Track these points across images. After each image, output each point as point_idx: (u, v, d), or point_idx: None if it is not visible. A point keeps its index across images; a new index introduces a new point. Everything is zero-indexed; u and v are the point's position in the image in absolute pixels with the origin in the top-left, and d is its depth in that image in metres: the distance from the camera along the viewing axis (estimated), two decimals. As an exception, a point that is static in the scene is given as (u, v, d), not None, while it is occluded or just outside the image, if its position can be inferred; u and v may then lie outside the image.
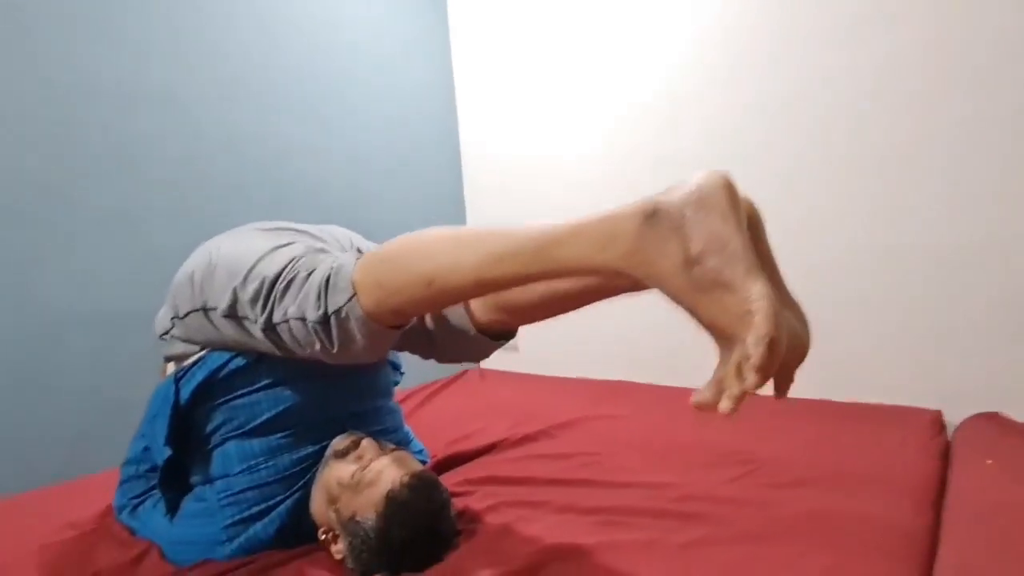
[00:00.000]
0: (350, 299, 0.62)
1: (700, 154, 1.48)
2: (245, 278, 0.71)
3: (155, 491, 0.84)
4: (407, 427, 1.00)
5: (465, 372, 1.91)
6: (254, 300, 0.69)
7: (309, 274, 0.66)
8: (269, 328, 0.69)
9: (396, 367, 1.03)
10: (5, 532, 0.87)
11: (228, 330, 0.75)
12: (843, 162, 1.28)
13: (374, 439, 0.79)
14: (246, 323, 0.72)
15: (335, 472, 0.75)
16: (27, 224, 1.13)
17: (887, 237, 1.23)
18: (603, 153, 1.69)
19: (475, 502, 0.86)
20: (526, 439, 1.13)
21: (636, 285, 0.57)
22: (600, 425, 1.20)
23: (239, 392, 0.79)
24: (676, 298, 0.47)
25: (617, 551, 0.71)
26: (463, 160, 2.12)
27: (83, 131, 1.20)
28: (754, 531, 0.73)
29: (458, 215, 2.10)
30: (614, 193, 1.66)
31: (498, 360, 2.03)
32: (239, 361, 0.79)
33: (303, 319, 0.65)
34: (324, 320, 0.63)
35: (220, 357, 0.80)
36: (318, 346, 0.65)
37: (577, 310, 0.77)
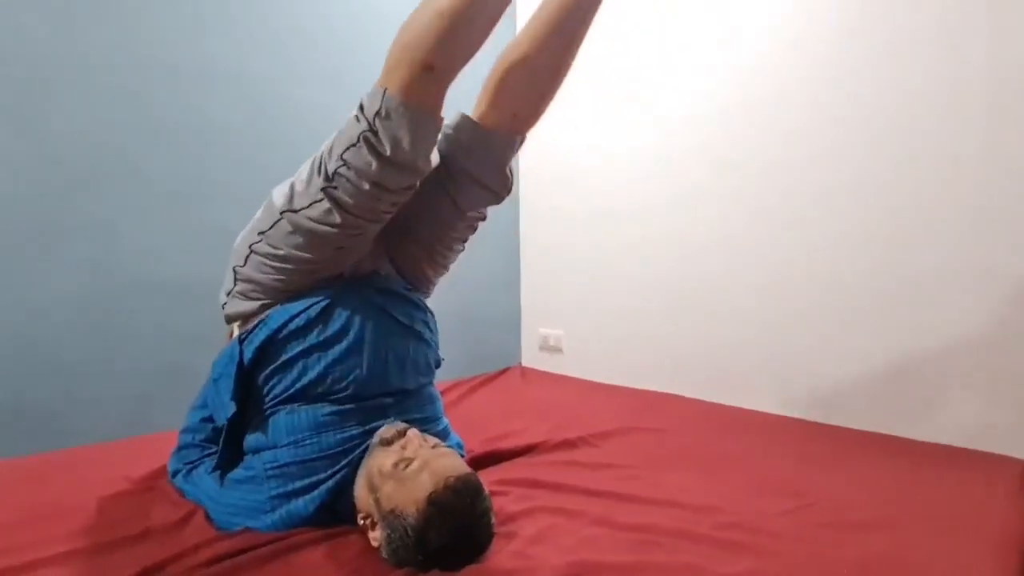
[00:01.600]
0: (383, 95, 0.73)
1: (756, 158, 1.40)
2: (293, 180, 0.83)
3: (208, 459, 0.88)
4: (446, 419, 1.00)
5: (507, 370, 1.91)
6: (308, 177, 0.80)
7: (345, 127, 0.77)
8: (329, 183, 0.77)
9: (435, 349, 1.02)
10: (70, 480, 0.94)
11: (289, 238, 0.81)
12: (921, 172, 1.18)
13: (419, 431, 0.80)
14: (305, 209, 0.79)
15: (379, 460, 0.75)
16: (105, 194, 1.21)
17: (982, 262, 1.12)
18: (655, 150, 1.64)
19: (510, 503, 0.85)
20: (565, 444, 1.10)
21: None
22: (643, 437, 1.16)
23: (293, 352, 0.82)
24: None
25: (652, 574, 0.67)
26: (520, 158, 2.10)
27: (160, 107, 1.27)
28: (803, 572, 0.68)
29: (513, 207, 2.09)
30: (664, 189, 1.64)
31: (540, 360, 2.02)
32: (298, 321, 0.83)
33: (353, 144, 0.74)
34: (371, 128, 0.73)
35: (280, 316, 0.84)
36: (374, 165, 0.74)
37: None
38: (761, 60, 1.40)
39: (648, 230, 1.66)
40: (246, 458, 0.84)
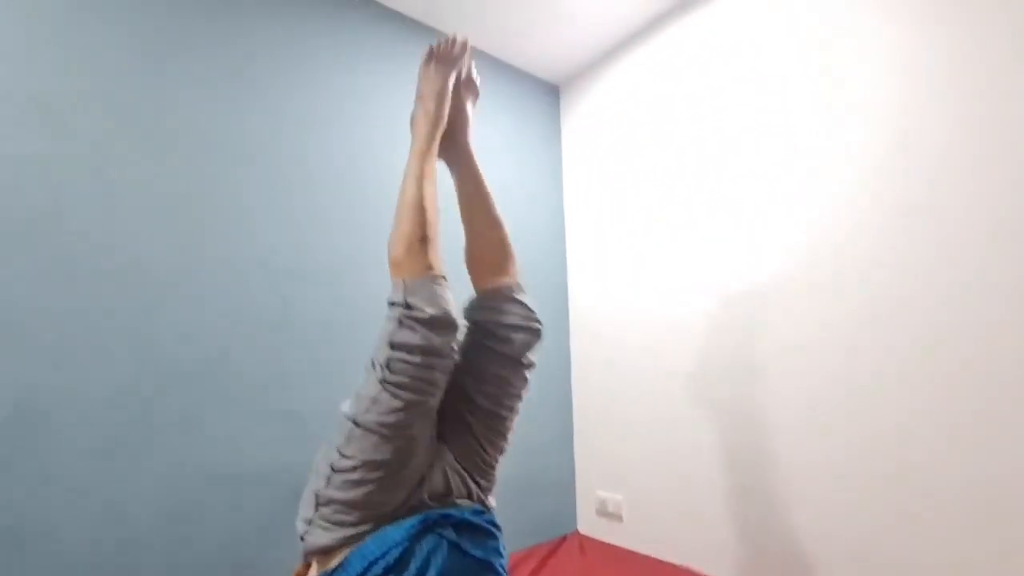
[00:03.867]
0: (404, 283, 0.90)
1: (824, 340, 1.39)
2: (356, 389, 0.91)
3: None
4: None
5: (564, 540, 1.80)
6: (366, 378, 0.89)
7: (384, 325, 0.90)
8: (385, 371, 0.86)
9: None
10: None
11: (363, 442, 0.86)
12: None
13: None
14: (371, 407, 0.86)
15: None
16: (195, 389, 1.27)
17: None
18: (707, 318, 1.65)
19: None
20: None
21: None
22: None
23: None
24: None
25: None
26: (571, 314, 2.16)
27: (253, 303, 1.37)
28: None
29: (564, 364, 2.11)
30: (716, 358, 1.62)
31: (598, 528, 1.91)
32: (375, 569, 0.80)
33: (397, 329, 0.87)
34: (405, 306, 0.88)
35: (359, 563, 0.81)
36: (418, 332, 0.86)
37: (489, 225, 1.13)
38: (824, 233, 1.43)
39: (711, 398, 1.63)
40: None
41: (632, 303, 1.91)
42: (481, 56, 2.02)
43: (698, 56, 1.77)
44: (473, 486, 0.99)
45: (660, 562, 1.63)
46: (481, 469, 1.01)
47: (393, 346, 0.87)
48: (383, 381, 0.86)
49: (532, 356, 1.06)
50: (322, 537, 0.87)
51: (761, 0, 1.61)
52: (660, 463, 1.75)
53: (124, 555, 1.14)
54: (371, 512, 0.87)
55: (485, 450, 1.02)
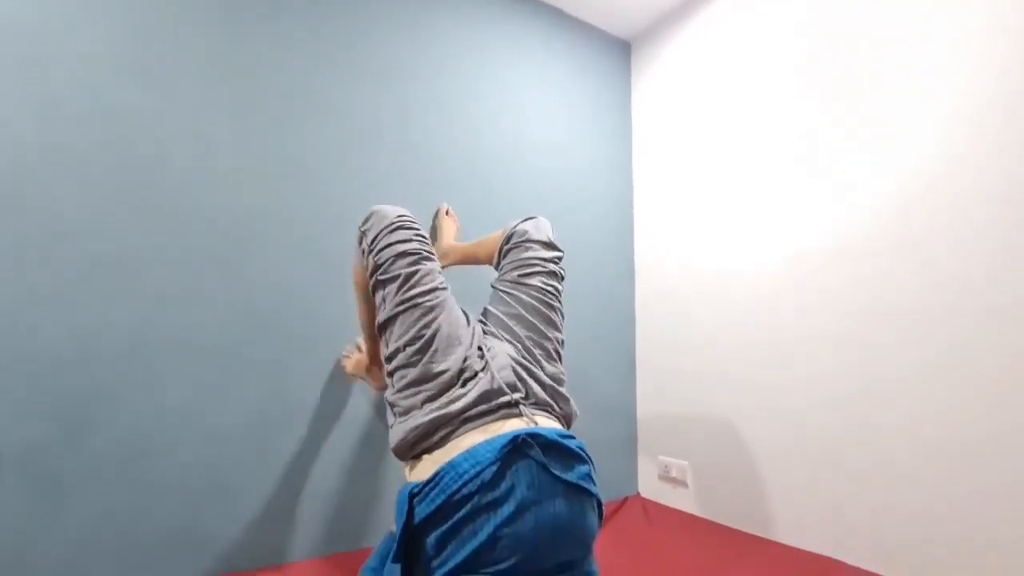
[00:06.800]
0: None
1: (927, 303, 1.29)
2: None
3: None
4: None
5: (626, 502, 1.80)
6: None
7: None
8: (373, 263, 1.04)
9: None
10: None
11: (394, 334, 0.98)
12: None
13: None
14: (383, 309, 1.02)
15: None
16: (281, 334, 1.35)
17: None
18: (783, 278, 1.56)
19: None
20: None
21: None
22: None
23: (463, 513, 0.81)
24: None
25: None
26: (636, 272, 2.12)
27: (329, 251, 1.43)
28: None
29: (629, 324, 2.08)
30: (793, 320, 1.54)
31: (662, 493, 1.89)
32: (470, 486, 0.82)
33: (363, 246, 1.09)
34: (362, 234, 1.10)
35: (453, 481, 0.83)
36: (374, 228, 1.07)
37: None
38: (917, 188, 1.32)
39: (788, 363, 1.56)
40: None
41: (702, 262, 1.85)
42: (547, 9, 1.97)
43: (781, 8, 1.65)
44: (537, 370, 1.02)
45: (732, 530, 1.59)
46: (543, 348, 1.07)
47: (366, 252, 1.05)
48: (374, 272, 1.02)
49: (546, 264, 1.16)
50: (399, 431, 0.92)
51: (862, -68, 1.46)
52: (730, 430, 1.70)
53: (223, 472, 1.25)
54: (431, 385, 0.92)
55: (538, 330, 1.08)
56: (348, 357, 1.40)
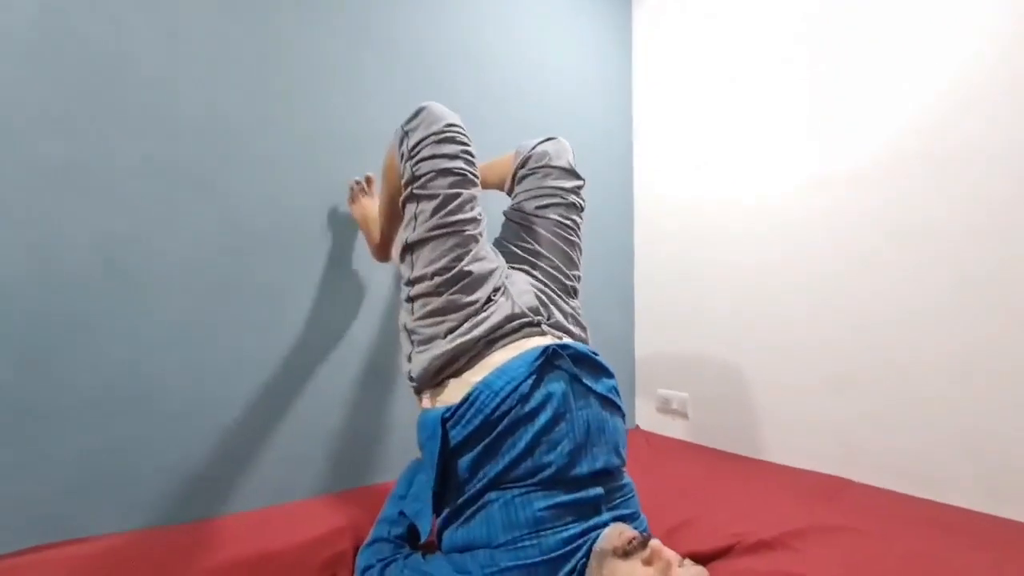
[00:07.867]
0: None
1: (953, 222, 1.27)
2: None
3: (401, 558, 0.83)
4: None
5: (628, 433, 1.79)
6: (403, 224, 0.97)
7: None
8: (411, 173, 0.92)
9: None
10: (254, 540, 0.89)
11: (422, 259, 0.89)
12: None
13: (660, 543, 0.72)
14: (414, 227, 0.91)
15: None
16: (275, 257, 1.21)
17: None
18: (789, 207, 1.53)
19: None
20: (762, 546, 0.98)
21: None
22: (844, 540, 1.01)
23: (501, 428, 0.79)
24: None
25: None
26: (635, 206, 2.05)
27: (324, 171, 1.28)
28: None
29: (627, 260, 2.03)
30: (801, 249, 1.52)
31: (662, 426, 1.90)
32: (509, 402, 0.80)
33: (403, 149, 0.95)
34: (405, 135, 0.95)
35: (490, 400, 0.80)
36: (418, 131, 0.92)
37: None
38: (947, 104, 1.28)
39: (798, 290, 1.55)
40: (455, 556, 0.77)
41: (703, 192, 1.80)
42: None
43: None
44: (559, 300, 1.03)
45: (737, 456, 1.61)
46: (562, 284, 1.07)
47: (404, 156, 0.92)
48: (410, 183, 0.90)
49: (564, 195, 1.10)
50: (422, 360, 0.87)
51: None
52: (731, 362, 1.70)
53: (221, 410, 1.14)
54: (455, 316, 0.87)
55: (559, 268, 1.07)
56: (355, 202, 1.26)
